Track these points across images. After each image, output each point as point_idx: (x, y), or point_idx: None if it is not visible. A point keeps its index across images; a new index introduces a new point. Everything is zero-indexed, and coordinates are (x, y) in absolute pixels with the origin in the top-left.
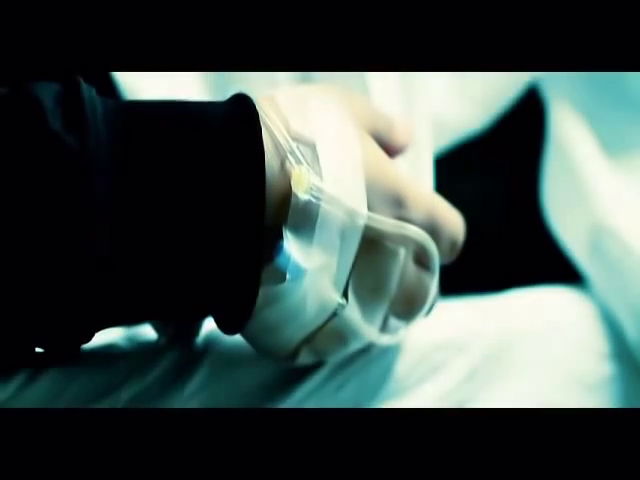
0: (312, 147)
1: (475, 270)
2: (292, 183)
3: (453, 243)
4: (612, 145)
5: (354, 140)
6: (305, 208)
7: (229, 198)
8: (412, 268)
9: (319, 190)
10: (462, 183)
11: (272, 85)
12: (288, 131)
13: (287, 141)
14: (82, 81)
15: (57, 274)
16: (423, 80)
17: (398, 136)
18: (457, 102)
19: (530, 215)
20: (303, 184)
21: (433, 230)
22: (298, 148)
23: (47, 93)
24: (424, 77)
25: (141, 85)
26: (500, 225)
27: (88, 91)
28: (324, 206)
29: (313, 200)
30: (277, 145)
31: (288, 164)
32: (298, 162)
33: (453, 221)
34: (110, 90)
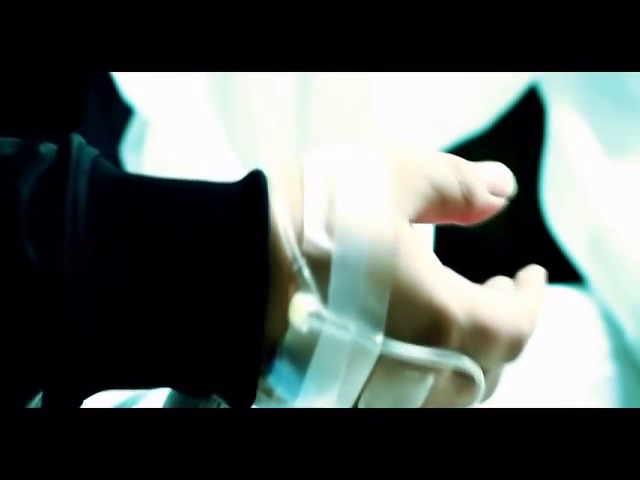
0: (326, 261)
1: (475, 270)
2: (290, 310)
3: (513, 346)
4: (612, 145)
5: (387, 244)
6: (302, 335)
7: (225, 318)
8: (447, 381)
9: (321, 318)
10: None
11: (270, 84)
12: (300, 242)
13: (295, 257)
14: (72, 158)
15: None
16: (423, 80)
17: (477, 208)
18: (457, 102)
19: (530, 215)
20: (302, 313)
21: (481, 348)
22: (307, 264)
23: (28, 182)
24: (424, 77)
25: (141, 85)
26: (500, 225)
27: (75, 178)
28: (326, 332)
29: (313, 328)
30: (283, 261)
31: (291, 287)
32: (303, 285)
33: (512, 324)
34: (111, 93)
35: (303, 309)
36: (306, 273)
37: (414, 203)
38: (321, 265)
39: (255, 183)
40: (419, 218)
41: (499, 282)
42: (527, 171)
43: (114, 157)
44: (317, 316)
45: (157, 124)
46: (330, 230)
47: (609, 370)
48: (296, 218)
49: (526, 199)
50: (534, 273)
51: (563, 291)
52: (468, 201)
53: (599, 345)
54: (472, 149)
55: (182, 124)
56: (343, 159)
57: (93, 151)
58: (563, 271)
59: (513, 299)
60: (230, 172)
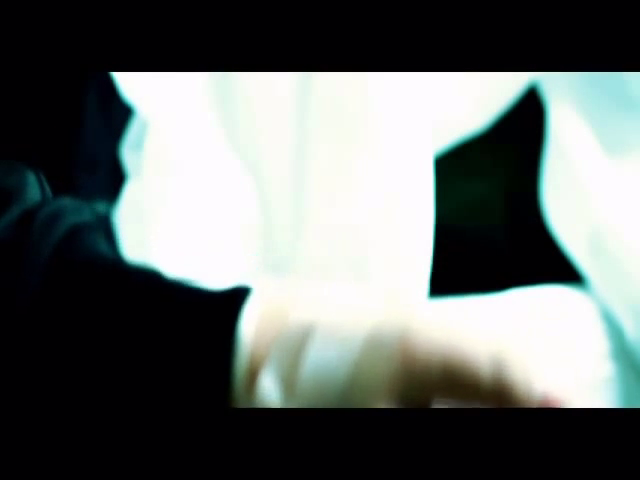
0: None
1: (475, 270)
2: None
3: None
4: (612, 145)
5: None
6: None
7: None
8: None
9: None
10: (462, 184)
11: (269, 84)
12: (251, 394)
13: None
14: (31, 247)
15: None
16: (423, 80)
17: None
18: (457, 102)
19: (530, 215)
20: None
21: None
22: None
23: None
24: (424, 77)
25: (141, 85)
26: (500, 225)
27: (27, 274)
28: None
29: None
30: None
31: None
32: None
33: None
34: (111, 93)
35: None
36: None
37: (414, 391)
38: None
39: (234, 313)
40: (430, 402)
41: None
42: (527, 171)
43: (114, 157)
44: None
45: (157, 124)
46: (290, 392)
47: (609, 370)
48: (257, 369)
49: (526, 199)
50: None
51: (563, 291)
52: (500, 400)
53: (599, 345)
54: (472, 149)
55: (182, 124)
56: (336, 315)
57: (67, 221)
58: (563, 271)
59: None
60: (230, 172)
